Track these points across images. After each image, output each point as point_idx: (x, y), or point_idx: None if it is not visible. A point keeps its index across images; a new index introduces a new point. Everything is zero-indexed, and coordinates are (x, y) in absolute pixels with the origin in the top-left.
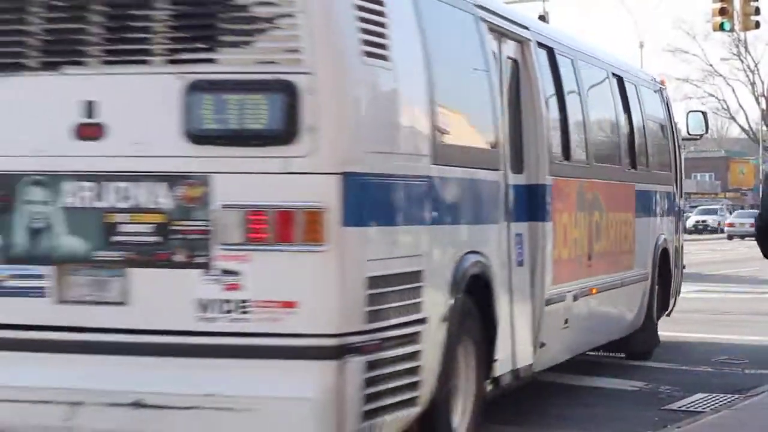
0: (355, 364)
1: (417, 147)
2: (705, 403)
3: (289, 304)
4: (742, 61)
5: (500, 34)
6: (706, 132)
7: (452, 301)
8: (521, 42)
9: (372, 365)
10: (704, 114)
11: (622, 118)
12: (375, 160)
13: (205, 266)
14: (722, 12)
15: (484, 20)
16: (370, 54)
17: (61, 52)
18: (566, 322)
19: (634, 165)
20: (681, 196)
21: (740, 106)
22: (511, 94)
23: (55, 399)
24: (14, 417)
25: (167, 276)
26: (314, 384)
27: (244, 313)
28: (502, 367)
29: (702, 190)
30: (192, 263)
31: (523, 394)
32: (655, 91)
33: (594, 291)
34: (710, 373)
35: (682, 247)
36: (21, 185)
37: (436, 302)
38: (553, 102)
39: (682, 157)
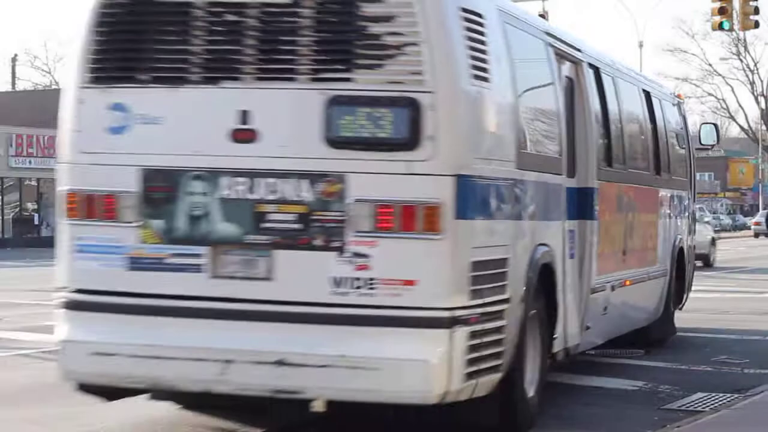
0: (461, 333)
1: (507, 154)
2: (704, 402)
3: (409, 282)
4: (742, 61)
5: (561, 56)
6: (718, 143)
7: (527, 285)
8: (575, 63)
9: (472, 335)
10: (716, 126)
11: (650, 128)
12: (479, 164)
13: (339, 249)
14: (721, 11)
15: (552, 45)
16: (476, 76)
17: (220, 69)
18: (605, 309)
19: (658, 171)
20: (694, 200)
21: (739, 105)
22: (567, 107)
23: (209, 357)
24: (175, 372)
25: (307, 257)
26: (429, 348)
27: (371, 288)
28: (557, 344)
29: (702, 190)
30: (328, 246)
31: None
32: (674, 105)
33: (627, 283)
34: (710, 373)
35: (693, 246)
36: (184, 179)
37: (516, 285)
38: (599, 114)
39: (695, 164)
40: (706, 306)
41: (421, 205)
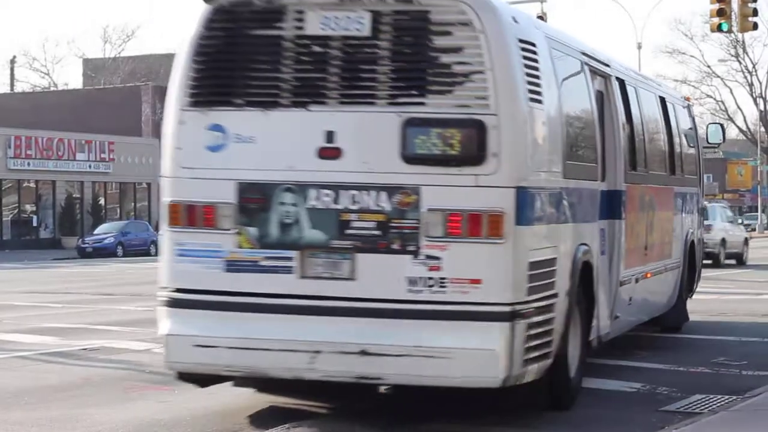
0: (521, 325)
1: (556, 165)
2: (703, 404)
3: (475, 281)
4: (740, 63)
5: (594, 72)
6: (724, 141)
7: (572, 281)
8: (605, 77)
9: (529, 326)
10: (722, 126)
11: (665, 131)
12: (534, 176)
13: (414, 252)
14: (720, 13)
15: (586, 63)
16: (532, 99)
17: (308, 94)
18: (630, 300)
19: (673, 171)
20: (703, 197)
21: (738, 107)
22: (600, 118)
23: (300, 348)
24: (269, 362)
25: (385, 259)
26: (494, 339)
27: (442, 287)
28: (593, 333)
29: None
30: (404, 250)
31: (519, 394)
32: (684, 107)
33: (648, 275)
34: (708, 375)
35: (702, 240)
36: (276, 192)
37: (562, 281)
38: (625, 123)
39: (703, 163)
40: (703, 308)
41: (486, 213)
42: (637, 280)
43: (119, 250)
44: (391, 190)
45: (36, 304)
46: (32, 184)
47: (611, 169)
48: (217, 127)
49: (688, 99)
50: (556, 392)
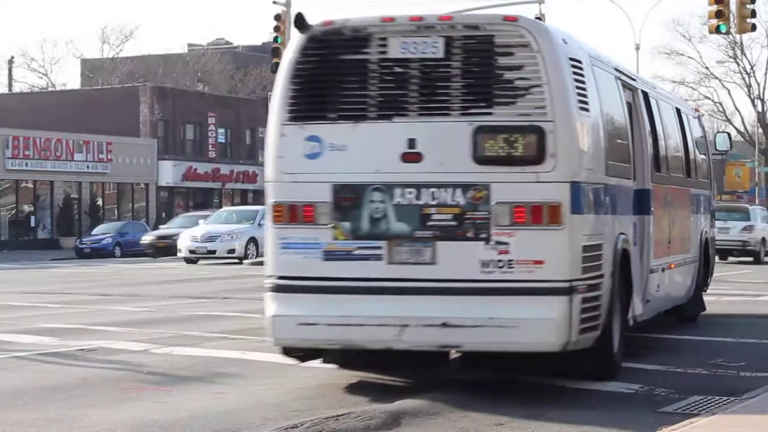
0: (576, 299)
1: (600, 165)
2: (701, 405)
3: (538, 262)
4: (738, 64)
5: (624, 86)
6: (731, 149)
7: (614, 264)
8: (632, 90)
9: (583, 300)
10: (729, 134)
11: (681, 138)
12: (584, 173)
13: (486, 239)
14: (719, 15)
15: (618, 78)
16: (581, 108)
17: (392, 108)
18: (658, 287)
19: (689, 174)
20: (714, 198)
21: (736, 108)
22: (629, 125)
23: (389, 323)
24: (363, 335)
25: (462, 246)
26: (555, 310)
27: (510, 267)
28: (630, 312)
29: None
30: (478, 237)
31: (519, 394)
32: (695, 118)
33: (672, 266)
34: (706, 376)
35: (714, 238)
36: (366, 191)
37: (607, 264)
38: (649, 130)
39: (713, 168)
40: None
41: (546, 204)
42: (663, 270)
43: (117, 251)
44: (465, 187)
45: (34, 305)
46: (30, 185)
47: (640, 170)
48: (314, 138)
49: (698, 110)
50: (601, 362)
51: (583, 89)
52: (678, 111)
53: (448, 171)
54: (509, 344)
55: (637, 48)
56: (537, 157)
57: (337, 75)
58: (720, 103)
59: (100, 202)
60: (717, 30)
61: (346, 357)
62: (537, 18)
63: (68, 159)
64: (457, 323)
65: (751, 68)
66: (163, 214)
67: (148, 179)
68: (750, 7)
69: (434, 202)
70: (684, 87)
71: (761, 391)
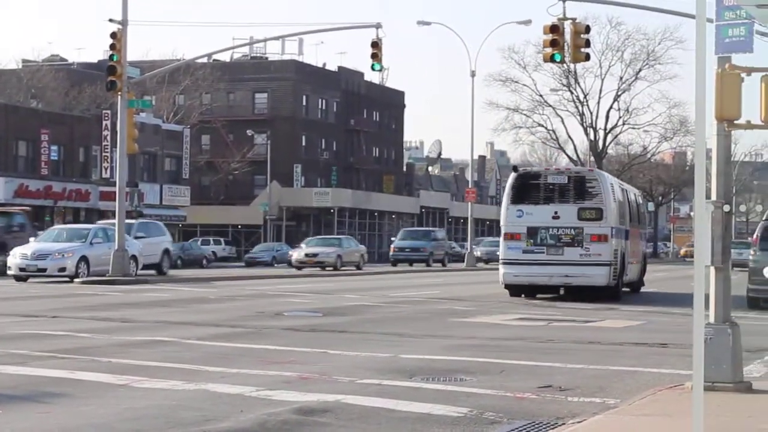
0: (612, 268)
1: (624, 220)
2: (528, 430)
3: (598, 254)
4: (572, 92)
5: (621, 188)
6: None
7: (621, 257)
8: (623, 190)
9: (613, 269)
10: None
11: (635, 207)
12: (617, 224)
13: (581, 246)
14: (554, 44)
15: (621, 186)
16: (614, 200)
17: (548, 199)
18: (630, 270)
19: (639, 222)
20: (647, 235)
21: (569, 136)
22: (624, 202)
23: (546, 275)
24: (537, 280)
25: (573, 248)
26: (604, 270)
27: (589, 256)
28: (624, 277)
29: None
30: (579, 245)
31: (347, 421)
32: (640, 196)
33: (633, 263)
34: (534, 401)
35: (646, 254)
36: (539, 229)
37: (619, 257)
38: (627, 206)
39: (646, 217)
40: (532, 335)
41: (602, 234)
42: (631, 263)
43: None
44: (574, 228)
45: None
46: None
47: (626, 221)
48: (520, 210)
49: (641, 193)
50: (616, 291)
51: (613, 192)
52: (635, 194)
53: (568, 224)
54: (589, 282)
55: (473, 75)
56: (598, 217)
57: (528, 187)
58: (553, 131)
59: None
60: (552, 59)
61: (527, 290)
62: (374, 43)
63: None
64: (571, 275)
65: (584, 97)
66: None
67: None
68: (584, 36)
69: (563, 233)
70: (518, 114)
71: (587, 416)
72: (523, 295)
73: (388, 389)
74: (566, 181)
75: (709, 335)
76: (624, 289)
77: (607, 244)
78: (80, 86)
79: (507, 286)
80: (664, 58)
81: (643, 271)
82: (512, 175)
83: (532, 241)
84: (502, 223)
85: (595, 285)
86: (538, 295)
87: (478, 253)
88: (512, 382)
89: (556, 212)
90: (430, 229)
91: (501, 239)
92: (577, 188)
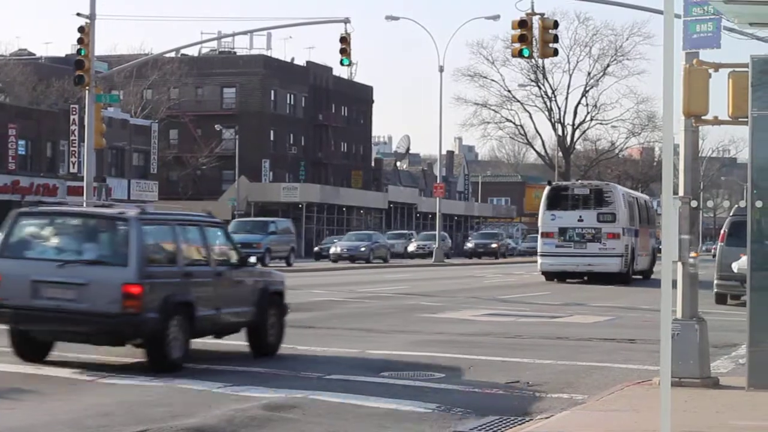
0: (624, 258)
1: (635, 222)
2: (496, 425)
3: (613, 248)
4: (540, 88)
5: (629, 195)
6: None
7: (631, 250)
8: (633, 197)
9: (625, 260)
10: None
11: (646, 211)
12: (626, 224)
13: (600, 242)
14: (522, 39)
15: (629, 194)
16: (625, 206)
17: (574, 206)
18: (640, 261)
19: (648, 222)
20: (656, 232)
21: (537, 132)
22: (635, 207)
23: (573, 264)
24: (567, 268)
25: (594, 243)
26: (618, 261)
27: (606, 249)
28: (635, 265)
29: (498, 214)
30: (598, 241)
31: (315, 417)
32: (646, 200)
33: (643, 255)
34: (502, 396)
35: (656, 247)
36: (568, 229)
37: (629, 250)
38: (636, 210)
39: (654, 219)
40: (499, 330)
41: (616, 233)
42: (640, 256)
43: None
44: (594, 228)
45: None
46: None
47: (635, 222)
48: (552, 215)
49: (646, 199)
50: (627, 277)
51: (624, 201)
52: (645, 201)
53: (590, 225)
54: (606, 269)
55: (441, 70)
56: (612, 220)
57: (559, 198)
58: (522, 126)
59: None
60: (520, 54)
61: (559, 276)
62: (342, 38)
63: None
64: (593, 264)
65: (553, 92)
66: None
67: None
68: (552, 32)
69: (586, 232)
70: (486, 109)
71: (554, 412)
72: (555, 279)
73: (356, 385)
74: (588, 192)
75: (676, 331)
76: (636, 276)
77: (619, 240)
78: (48, 80)
79: (543, 273)
80: (632, 54)
81: (652, 262)
82: (547, 188)
83: (562, 238)
84: (539, 224)
85: (611, 272)
86: (567, 280)
87: (470, 244)
88: (480, 377)
89: (580, 216)
90: (268, 219)
91: (539, 237)
92: (596, 198)
